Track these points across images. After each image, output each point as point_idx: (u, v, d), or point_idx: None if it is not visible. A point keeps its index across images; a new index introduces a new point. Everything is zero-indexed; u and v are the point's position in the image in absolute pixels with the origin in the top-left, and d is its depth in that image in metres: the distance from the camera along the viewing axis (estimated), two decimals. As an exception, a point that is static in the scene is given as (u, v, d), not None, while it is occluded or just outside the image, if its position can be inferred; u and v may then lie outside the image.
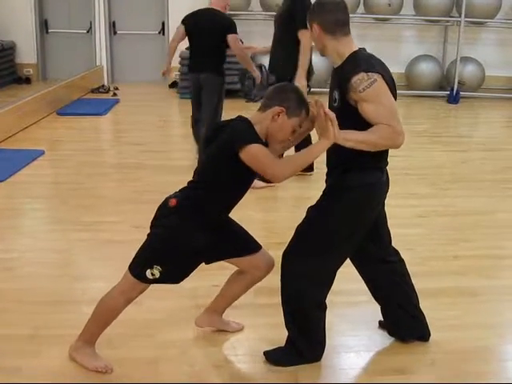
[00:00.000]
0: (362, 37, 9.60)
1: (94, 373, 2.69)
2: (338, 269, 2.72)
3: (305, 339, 2.77)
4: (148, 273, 2.57)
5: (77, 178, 5.51)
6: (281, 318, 2.78)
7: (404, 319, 2.95)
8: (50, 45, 10.49)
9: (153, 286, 2.67)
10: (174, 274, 2.65)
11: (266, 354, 2.83)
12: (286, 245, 2.75)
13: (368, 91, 2.44)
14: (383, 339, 3.02)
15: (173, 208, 2.59)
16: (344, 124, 2.45)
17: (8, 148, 6.36)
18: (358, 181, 2.59)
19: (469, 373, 2.79)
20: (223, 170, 2.56)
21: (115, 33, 10.51)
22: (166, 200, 2.63)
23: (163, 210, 2.64)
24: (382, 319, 3.05)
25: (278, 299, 2.77)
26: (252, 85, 8.88)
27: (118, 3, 10.36)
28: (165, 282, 2.66)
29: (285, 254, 2.73)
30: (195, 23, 5.61)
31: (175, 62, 9.72)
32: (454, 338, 3.04)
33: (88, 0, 9.97)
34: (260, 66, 9.23)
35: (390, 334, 3.02)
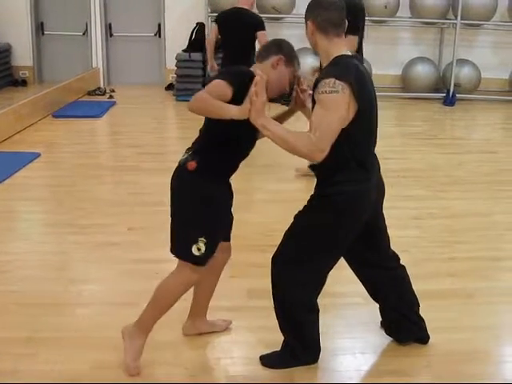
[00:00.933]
0: (358, 39, 9.61)
1: (94, 375, 2.69)
2: (326, 272, 2.70)
3: (299, 342, 2.76)
4: (194, 249, 2.57)
5: (73, 181, 5.50)
6: (275, 320, 2.78)
7: (402, 323, 2.94)
8: (46, 47, 10.47)
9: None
10: (216, 238, 2.65)
11: (262, 358, 2.83)
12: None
13: (325, 96, 2.38)
14: (379, 341, 3.02)
15: (193, 171, 2.58)
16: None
17: (4, 150, 6.34)
18: (336, 189, 2.54)
19: (465, 374, 2.79)
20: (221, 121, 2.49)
21: (111, 35, 10.50)
22: (184, 165, 2.60)
23: (182, 174, 2.62)
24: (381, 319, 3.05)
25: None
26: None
27: (114, 5, 10.36)
28: (212, 252, 2.63)
29: (273, 259, 2.72)
30: (225, 21, 6.02)
31: (172, 64, 9.75)
32: (449, 339, 3.05)
33: (84, 2, 9.96)
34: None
35: (387, 333, 3.02)
